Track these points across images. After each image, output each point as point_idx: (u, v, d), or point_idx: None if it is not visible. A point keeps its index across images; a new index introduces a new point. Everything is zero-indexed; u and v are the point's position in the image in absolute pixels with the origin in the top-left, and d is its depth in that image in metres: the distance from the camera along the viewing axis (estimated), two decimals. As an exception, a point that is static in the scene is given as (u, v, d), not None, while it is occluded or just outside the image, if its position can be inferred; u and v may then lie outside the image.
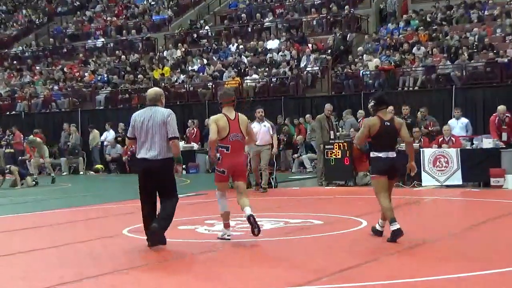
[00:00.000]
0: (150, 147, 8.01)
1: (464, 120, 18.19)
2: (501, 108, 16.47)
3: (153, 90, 8.45)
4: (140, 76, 28.48)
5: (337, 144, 16.13)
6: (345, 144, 16.11)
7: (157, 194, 8.21)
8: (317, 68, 25.05)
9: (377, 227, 8.60)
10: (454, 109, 19.09)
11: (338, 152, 15.98)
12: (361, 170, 16.55)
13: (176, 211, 10.12)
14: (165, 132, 8.02)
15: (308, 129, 21.56)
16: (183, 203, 10.74)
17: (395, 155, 8.34)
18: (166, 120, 8.06)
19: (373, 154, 8.40)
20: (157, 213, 8.22)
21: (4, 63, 35.97)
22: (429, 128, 17.79)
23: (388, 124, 8.25)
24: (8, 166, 20.45)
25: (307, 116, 21.98)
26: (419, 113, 19.84)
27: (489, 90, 21.13)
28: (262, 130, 15.20)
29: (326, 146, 16.27)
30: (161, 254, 7.80)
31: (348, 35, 27.00)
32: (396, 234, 7.91)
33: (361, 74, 23.58)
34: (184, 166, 17.28)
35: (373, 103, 8.39)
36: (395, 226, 7.95)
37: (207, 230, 9.51)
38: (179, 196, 8.84)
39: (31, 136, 22.51)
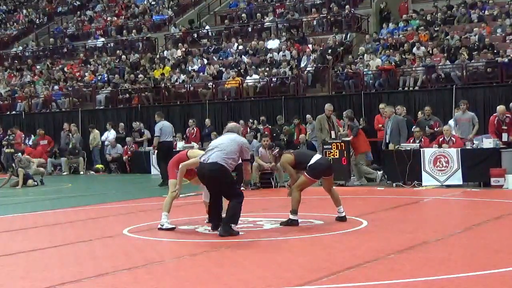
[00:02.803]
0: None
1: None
2: (501, 108, 16.42)
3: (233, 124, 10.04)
4: (140, 76, 28.47)
5: (335, 144, 16.13)
6: (343, 144, 16.10)
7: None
8: (317, 66, 25.03)
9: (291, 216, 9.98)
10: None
11: (336, 152, 15.98)
12: (361, 152, 16.52)
13: (176, 211, 10.19)
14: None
15: (308, 129, 21.57)
16: (183, 203, 10.77)
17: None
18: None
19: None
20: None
21: (4, 63, 35.95)
22: (435, 129, 17.67)
23: (295, 152, 10.58)
24: (16, 168, 20.41)
25: (308, 116, 22.00)
26: (419, 112, 19.88)
27: (490, 90, 21.14)
28: (268, 155, 16.73)
29: (325, 146, 16.30)
30: (161, 254, 7.81)
31: (349, 35, 27.00)
32: (293, 223, 9.67)
33: (362, 74, 23.57)
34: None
35: (277, 150, 10.59)
36: (295, 217, 9.73)
37: (207, 230, 9.50)
38: (180, 195, 9.12)
39: (25, 156, 22.20)
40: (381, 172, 16.74)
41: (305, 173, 9.82)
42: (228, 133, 9.41)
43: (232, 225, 8.96)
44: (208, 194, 9.59)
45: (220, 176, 8.97)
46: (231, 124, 9.81)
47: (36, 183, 20.17)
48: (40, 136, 26.93)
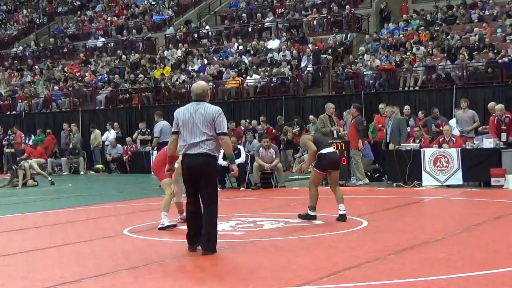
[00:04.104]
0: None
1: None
2: (499, 106, 16.39)
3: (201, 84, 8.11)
4: (141, 76, 28.46)
5: (335, 144, 16.09)
6: (343, 144, 16.09)
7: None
8: (318, 66, 25.04)
9: (340, 211, 10.22)
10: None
11: (336, 152, 15.91)
12: (356, 147, 16.59)
13: (176, 211, 10.18)
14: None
15: (312, 130, 21.55)
16: (183, 202, 10.76)
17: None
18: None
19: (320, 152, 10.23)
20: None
21: (4, 63, 35.97)
22: (441, 128, 17.60)
23: (314, 135, 11.04)
24: (15, 167, 20.34)
25: (311, 117, 21.96)
26: (420, 112, 19.87)
27: (490, 90, 21.14)
28: (268, 155, 16.92)
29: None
30: (161, 254, 7.80)
31: (349, 35, 27.01)
32: (311, 218, 10.07)
33: (362, 74, 23.57)
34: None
35: (298, 129, 10.58)
36: (313, 213, 10.14)
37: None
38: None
39: (30, 163, 21.67)
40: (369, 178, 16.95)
41: (314, 167, 10.27)
42: (198, 103, 7.80)
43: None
44: (181, 193, 9.18)
45: (213, 171, 7.83)
46: (198, 88, 7.95)
47: (36, 183, 20.17)
48: (49, 135, 26.96)
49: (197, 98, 7.86)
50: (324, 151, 10.15)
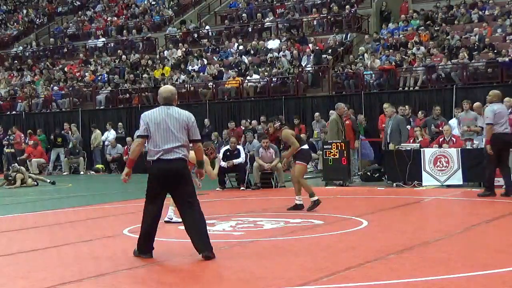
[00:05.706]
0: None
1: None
2: (507, 98, 16.24)
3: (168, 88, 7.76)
4: (145, 75, 28.45)
5: (335, 144, 16.10)
6: (343, 144, 16.08)
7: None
8: (317, 66, 25.04)
9: (297, 201, 11.57)
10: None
11: (336, 152, 15.96)
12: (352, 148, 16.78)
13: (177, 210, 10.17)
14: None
15: (317, 128, 21.54)
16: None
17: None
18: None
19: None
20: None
21: (4, 63, 35.96)
22: (440, 128, 17.57)
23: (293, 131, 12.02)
24: (15, 169, 20.29)
25: (317, 114, 21.91)
26: (420, 112, 19.84)
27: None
28: (268, 155, 16.94)
29: (325, 146, 16.30)
30: (161, 254, 7.80)
31: (349, 35, 27.02)
32: (317, 203, 11.24)
33: (362, 74, 23.57)
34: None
35: (279, 123, 11.67)
36: (315, 198, 11.27)
37: (208, 230, 9.47)
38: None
39: (16, 165, 21.44)
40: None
41: (297, 161, 11.39)
42: (169, 107, 7.50)
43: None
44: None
45: (189, 173, 7.72)
46: (166, 91, 7.61)
47: (36, 183, 20.17)
48: (31, 136, 26.85)
49: (166, 101, 7.54)
50: (305, 147, 11.55)
